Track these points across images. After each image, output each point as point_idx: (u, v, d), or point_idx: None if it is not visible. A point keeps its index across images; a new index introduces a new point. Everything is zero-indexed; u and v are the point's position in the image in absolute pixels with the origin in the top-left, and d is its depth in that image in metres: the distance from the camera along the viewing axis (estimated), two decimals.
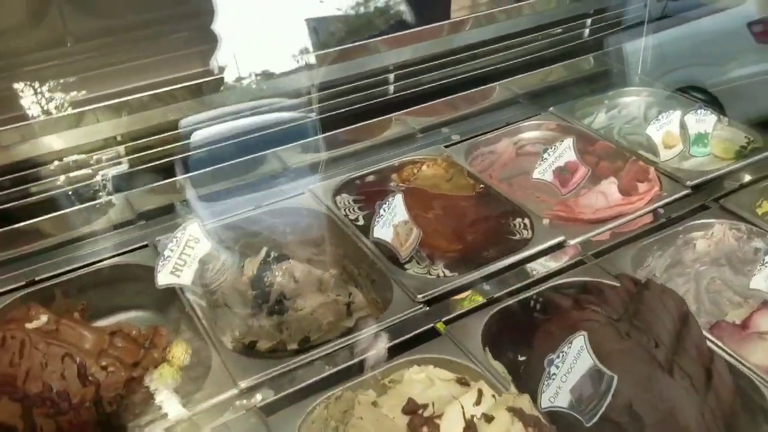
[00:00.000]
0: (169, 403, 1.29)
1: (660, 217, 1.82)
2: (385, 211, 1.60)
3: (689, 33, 2.88)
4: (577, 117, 2.29)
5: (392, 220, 1.61)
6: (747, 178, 1.95)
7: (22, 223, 1.65)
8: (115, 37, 1.81)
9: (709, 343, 1.39)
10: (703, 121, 2.07)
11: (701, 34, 2.97)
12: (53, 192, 1.70)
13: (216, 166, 1.89)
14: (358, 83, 2.04)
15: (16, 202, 1.65)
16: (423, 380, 1.26)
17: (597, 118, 2.36)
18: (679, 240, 1.78)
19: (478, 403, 1.14)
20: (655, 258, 1.74)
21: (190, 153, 1.85)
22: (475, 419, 1.15)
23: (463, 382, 1.24)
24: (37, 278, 1.61)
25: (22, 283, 1.60)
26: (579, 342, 1.14)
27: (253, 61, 1.87)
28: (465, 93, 2.27)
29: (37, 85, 1.64)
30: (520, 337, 1.42)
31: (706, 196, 1.88)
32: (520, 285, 1.59)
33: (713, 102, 3.03)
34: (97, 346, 1.22)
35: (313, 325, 1.46)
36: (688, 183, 1.91)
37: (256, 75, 1.89)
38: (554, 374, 1.17)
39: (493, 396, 1.19)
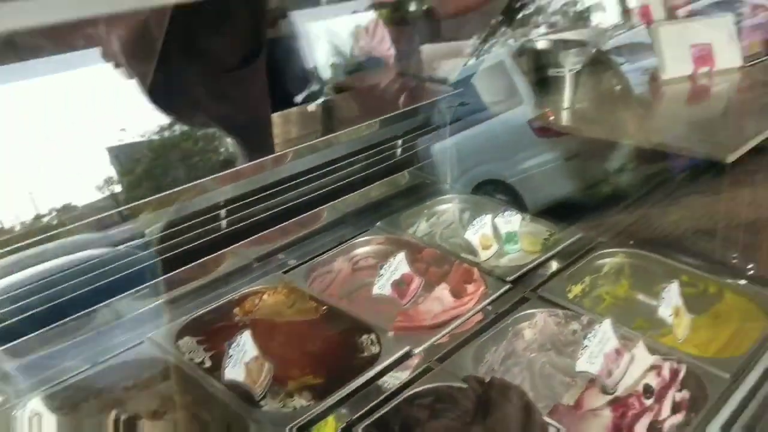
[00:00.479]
0: None
1: (490, 313, 1.98)
2: (234, 350, 1.59)
3: (480, 134, 3.27)
4: (403, 228, 2.47)
5: (242, 359, 1.60)
6: (555, 267, 2.20)
7: None
8: None
9: (551, 429, 1.52)
10: (510, 221, 2.33)
11: (491, 132, 3.37)
12: None
13: (43, 329, 1.77)
14: (190, 222, 2.05)
15: None
16: None
17: (419, 227, 2.56)
18: (510, 332, 1.95)
19: None
20: (491, 353, 1.88)
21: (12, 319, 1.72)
22: None
23: None
24: None
25: None
26: None
27: (72, 211, 1.82)
28: (296, 219, 2.36)
29: None
30: None
31: (525, 288, 2.09)
32: (377, 401, 1.64)
33: (511, 192, 3.43)
34: None
35: None
36: (508, 279, 2.12)
37: (78, 226, 1.83)
38: None
39: None
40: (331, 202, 2.46)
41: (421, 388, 1.66)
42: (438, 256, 2.28)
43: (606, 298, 2.19)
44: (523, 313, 1.98)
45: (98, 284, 1.86)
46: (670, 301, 1.88)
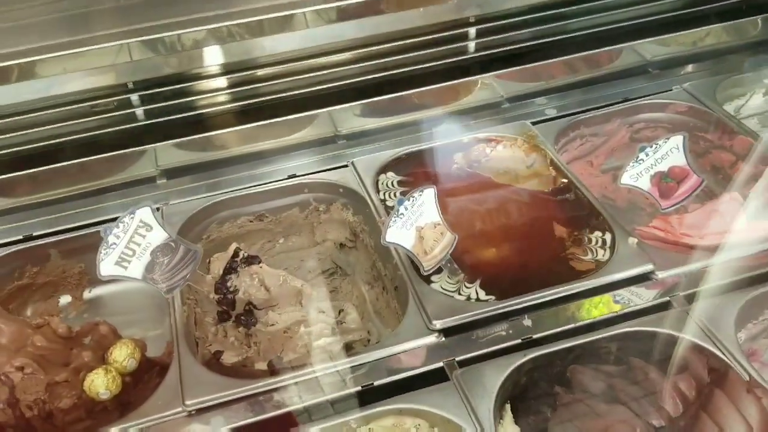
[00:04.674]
0: (100, 415, 1.10)
1: None
2: (407, 209, 1.27)
3: None
4: (721, 99, 1.76)
5: (416, 221, 1.27)
6: None
7: (24, 172, 1.51)
8: None
9: None
10: None
11: None
12: (55, 140, 1.54)
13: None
14: (430, 37, 1.67)
15: (20, 148, 1.53)
16: None
17: (750, 101, 1.81)
18: None
19: None
20: None
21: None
22: None
23: None
24: (35, 234, 1.49)
25: (19, 237, 1.49)
26: None
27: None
28: (574, 56, 1.81)
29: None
30: (549, 401, 1.06)
31: None
32: (572, 326, 1.21)
33: None
34: (16, 343, 1.06)
35: (287, 344, 1.20)
36: None
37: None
38: None
39: None
40: (629, 42, 1.83)
41: (635, 329, 1.17)
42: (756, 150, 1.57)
43: None
44: None
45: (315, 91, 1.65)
46: None
